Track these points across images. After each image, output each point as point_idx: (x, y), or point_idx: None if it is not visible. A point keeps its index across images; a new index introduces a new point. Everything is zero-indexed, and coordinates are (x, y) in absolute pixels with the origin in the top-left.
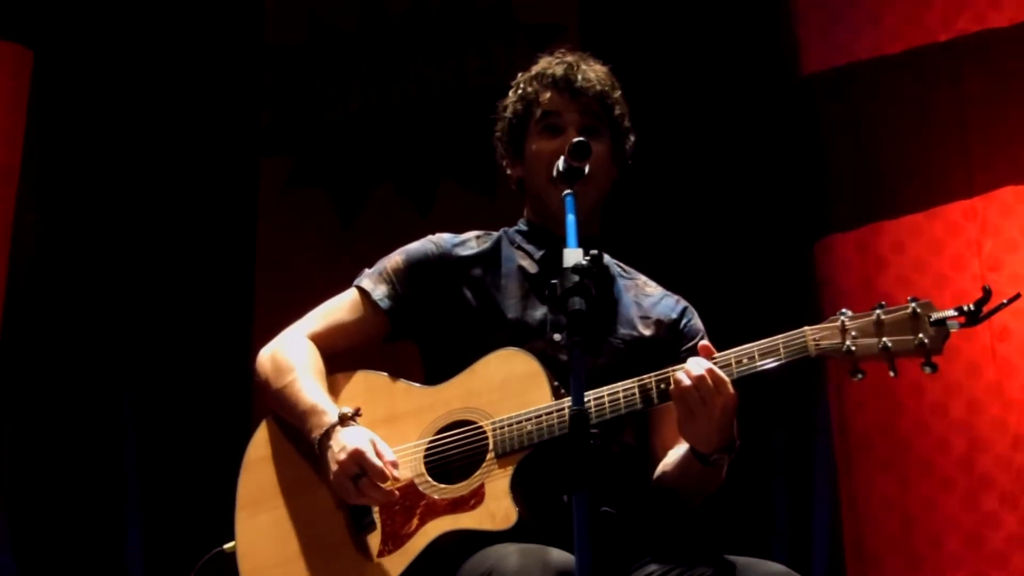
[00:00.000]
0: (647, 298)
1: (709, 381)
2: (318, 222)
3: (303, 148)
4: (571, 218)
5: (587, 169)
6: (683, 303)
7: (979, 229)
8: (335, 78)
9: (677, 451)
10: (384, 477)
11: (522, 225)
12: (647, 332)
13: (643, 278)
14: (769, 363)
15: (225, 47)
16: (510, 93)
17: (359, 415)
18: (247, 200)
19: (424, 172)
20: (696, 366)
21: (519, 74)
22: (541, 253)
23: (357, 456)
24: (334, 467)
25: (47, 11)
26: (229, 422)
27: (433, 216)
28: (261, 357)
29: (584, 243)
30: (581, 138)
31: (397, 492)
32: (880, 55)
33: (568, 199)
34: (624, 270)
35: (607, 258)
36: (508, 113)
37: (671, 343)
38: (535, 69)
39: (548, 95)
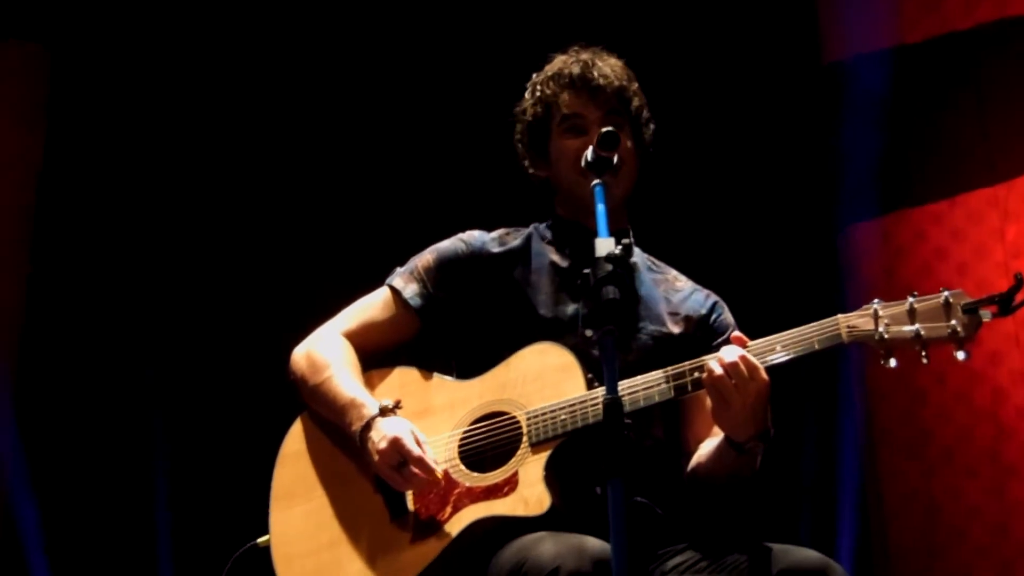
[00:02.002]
0: (677, 293)
1: (742, 367)
2: None
3: None
4: (601, 207)
5: (615, 159)
6: (713, 297)
7: (1002, 216)
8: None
9: (711, 442)
10: (424, 464)
11: (552, 221)
12: (676, 329)
13: (673, 272)
14: (803, 350)
15: (242, 41)
16: (526, 95)
17: (399, 407)
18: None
19: None
20: (729, 353)
21: (533, 75)
22: (572, 248)
23: (397, 444)
24: (376, 457)
25: (64, 12)
26: (262, 417)
27: None
28: (296, 355)
29: (615, 236)
30: (610, 128)
31: (441, 477)
32: (900, 43)
33: (598, 189)
34: (654, 264)
35: (637, 252)
36: (528, 116)
37: (701, 339)
38: (550, 70)
39: (566, 96)
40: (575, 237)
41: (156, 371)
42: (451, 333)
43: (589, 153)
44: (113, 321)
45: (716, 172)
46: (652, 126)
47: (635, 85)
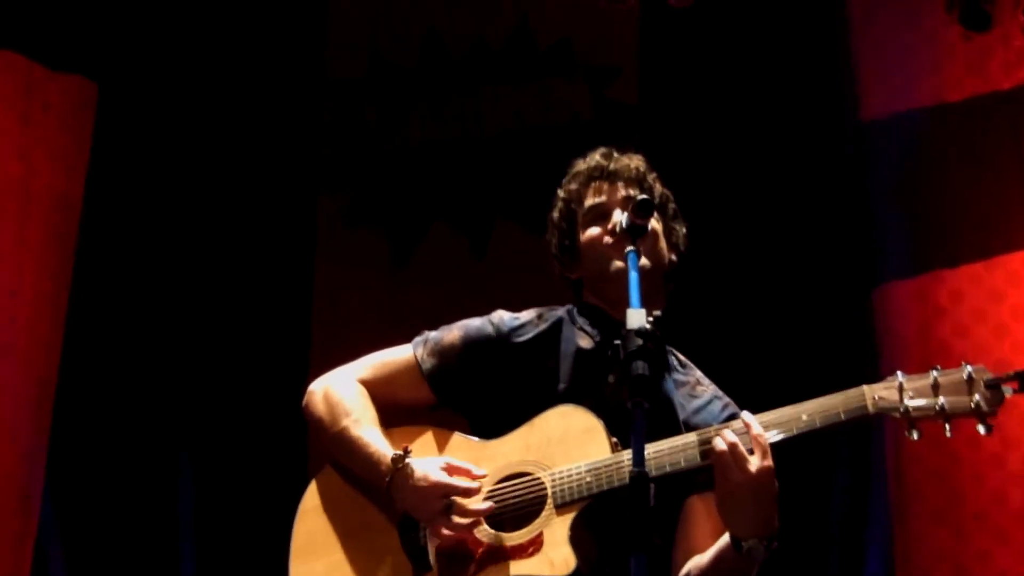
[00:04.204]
0: (694, 400)
1: (748, 438)
2: (375, 259)
3: (361, 184)
4: (634, 275)
5: (649, 227)
6: (730, 409)
7: None
8: (394, 114)
9: (712, 548)
10: (469, 490)
11: (586, 309)
12: None
13: (697, 374)
14: (830, 419)
15: (286, 81)
16: (555, 206)
17: (409, 453)
18: (305, 236)
19: (481, 211)
20: (730, 434)
21: (558, 190)
22: (600, 336)
23: (437, 490)
24: (418, 512)
25: (111, 45)
26: (284, 467)
27: (490, 256)
28: (313, 394)
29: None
30: (645, 196)
31: (489, 503)
32: (941, 103)
33: (631, 256)
34: (681, 364)
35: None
36: (556, 221)
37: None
38: (570, 174)
39: (588, 190)
40: (603, 325)
41: (183, 410)
42: (466, 409)
43: (624, 219)
44: (143, 358)
45: (749, 228)
46: (683, 227)
47: (654, 176)
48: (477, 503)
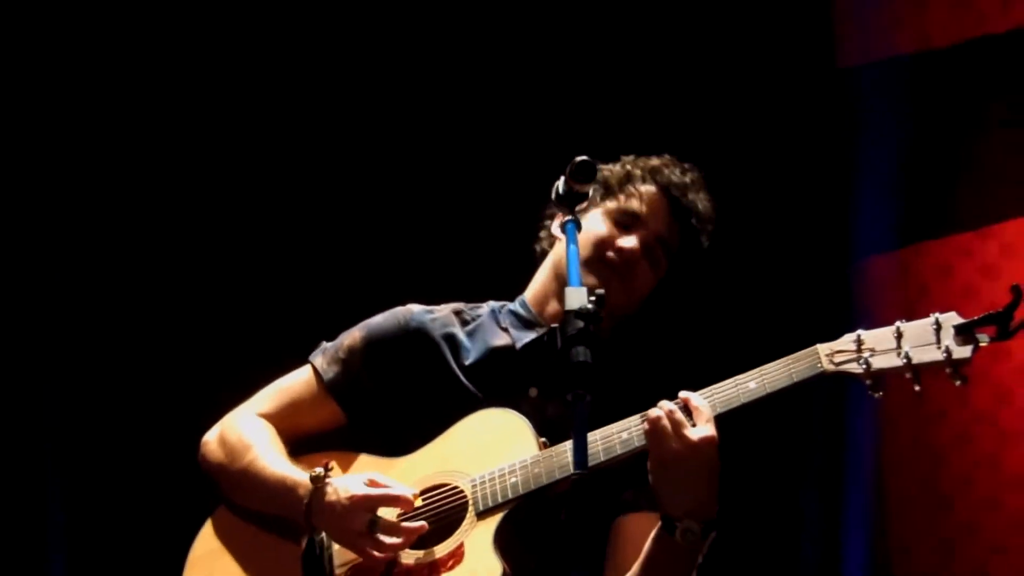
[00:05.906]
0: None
1: (679, 413)
2: None
3: None
4: (572, 248)
5: (589, 192)
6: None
7: None
8: None
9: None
10: (402, 501)
11: (519, 307)
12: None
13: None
14: (779, 383)
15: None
16: (614, 166)
17: (330, 470)
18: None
19: None
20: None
21: (632, 157)
22: (529, 340)
23: (363, 503)
24: (341, 534)
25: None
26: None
27: None
28: (207, 443)
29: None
30: (586, 158)
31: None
32: (926, 48)
33: (570, 227)
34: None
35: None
36: (604, 175)
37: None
38: (655, 162)
39: (649, 192)
40: (529, 325)
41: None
42: (376, 417)
43: (560, 184)
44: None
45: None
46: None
47: (706, 236)
48: (407, 522)
